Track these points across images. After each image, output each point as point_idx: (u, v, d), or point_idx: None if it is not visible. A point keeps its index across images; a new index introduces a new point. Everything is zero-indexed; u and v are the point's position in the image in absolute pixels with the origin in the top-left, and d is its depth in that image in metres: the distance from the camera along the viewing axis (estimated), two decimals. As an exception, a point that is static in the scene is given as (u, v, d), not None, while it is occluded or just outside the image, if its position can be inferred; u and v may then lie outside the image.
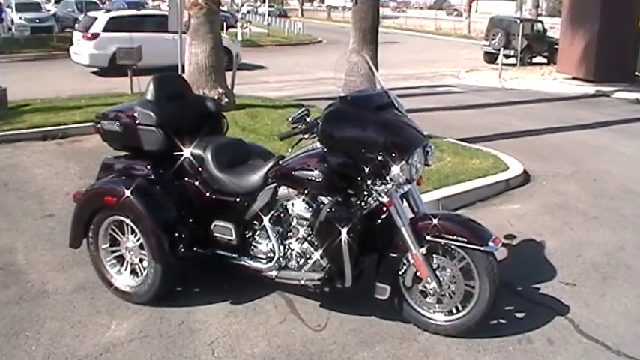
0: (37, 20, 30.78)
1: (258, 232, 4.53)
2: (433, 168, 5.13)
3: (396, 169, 3.90)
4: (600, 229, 6.38)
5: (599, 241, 6.04)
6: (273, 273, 4.40)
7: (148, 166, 4.66)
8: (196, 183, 4.65)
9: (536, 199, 7.36)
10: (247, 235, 4.55)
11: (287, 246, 4.41)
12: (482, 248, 3.93)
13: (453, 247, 4.06)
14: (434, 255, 4.12)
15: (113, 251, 4.73)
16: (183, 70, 11.68)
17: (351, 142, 4.06)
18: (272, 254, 4.43)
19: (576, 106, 14.94)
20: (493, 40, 25.50)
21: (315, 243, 4.26)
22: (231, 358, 3.96)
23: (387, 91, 4.30)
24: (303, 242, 4.34)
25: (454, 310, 4.18)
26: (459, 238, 3.98)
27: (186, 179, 4.69)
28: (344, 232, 3.97)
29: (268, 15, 46.76)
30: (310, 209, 4.24)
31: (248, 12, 51.37)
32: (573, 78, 18.63)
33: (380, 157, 3.94)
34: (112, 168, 4.87)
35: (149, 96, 4.85)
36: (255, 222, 4.51)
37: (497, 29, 25.66)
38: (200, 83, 11.17)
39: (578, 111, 14.01)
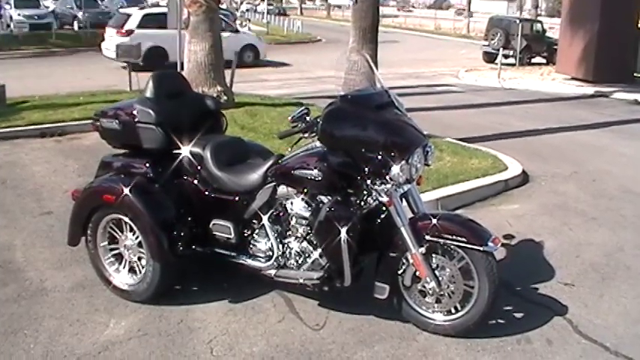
0: (36, 17, 30.77)
1: (257, 230, 4.52)
2: (432, 167, 5.13)
3: (395, 169, 3.89)
4: (599, 230, 6.38)
5: (599, 242, 6.03)
6: (272, 272, 4.40)
7: (147, 164, 4.65)
8: (195, 181, 4.64)
9: (535, 199, 7.35)
10: (246, 234, 4.54)
11: (286, 245, 4.40)
12: (481, 248, 3.92)
13: (452, 247, 4.05)
14: (433, 255, 4.12)
15: (112, 249, 4.72)
16: (182, 68, 11.67)
17: (351, 142, 4.05)
18: (271, 253, 4.43)
19: (575, 106, 14.93)
20: (492, 39, 25.50)
21: (315, 242, 4.25)
22: (230, 357, 3.95)
23: (387, 90, 4.29)
24: (302, 241, 4.33)
25: (453, 310, 4.17)
26: (459, 238, 3.97)
27: (185, 177, 4.68)
28: (343, 231, 3.96)
29: (267, 13, 46.68)
30: (309, 208, 4.23)
31: (247, 10, 51.35)
32: (572, 78, 18.62)
33: (380, 157, 3.93)
34: (111, 166, 4.86)
35: (148, 94, 4.84)
36: (254, 221, 4.50)
37: (497, 29, 25.66)
38: (199, 81, 11.15)
39: (577, 111, 14.01)
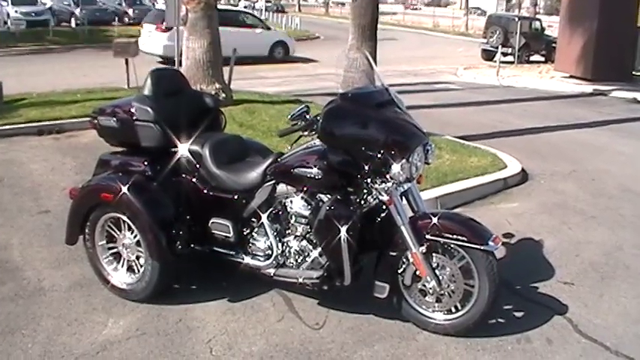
0: (33, 14, 30.75)
1: (256, 229, 4.49)
2: (432, 165, 5.11)
3: (396, 168, 3.86)
4: (599, 229, 6.36)
5: (598, 241, 6.02)
6: (272, 271, 4.37)
7: (145, 163, 4.62)
8: (194, 180, 4.62)
9: (534, 198, 7.34)
10: (245, 233, 4.52)
11: (285, 244, 4.37)
12: (482, 247, 3.90)
13: (452, 246, 4.03)
14: (433, 254, 4.09)
15: (110, 248, 4.69)
16: (180, 65, 11.63)
17: (352, 140, 4.02)
18: (270, 252, 4.40)
19: (574, 104, 14.92)
20: (491, 37, 25.56)
21: (314, 241, 4.23)
22: (229, 356, 3.93)
23: (388, 88, 4.27)
24: (302, 240, 4.31)
25: (453, 310, 4.15)
26: (459, 237, 3.95)
27: (183, 176, 4.65)
28: (343, 230, 3.94)
29: (265, 10, 46.64)
30: (309, 207, 4.21)
31: (245, 7, 51.24)
32: (571, 76, 18.63)
33: (380, 155, 3.90)
34: (109, 164, 4.83)
35: (146, 91, 4.80)
36: (253, 219, 4.48)
37: (496, 27, 25.70)
38: (197, 79, 11.11)
39: (576, 110, 14.00)
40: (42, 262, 5.18)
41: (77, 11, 33.59)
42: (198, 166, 4.58)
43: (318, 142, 4.21)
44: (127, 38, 18.03)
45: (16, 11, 30.26)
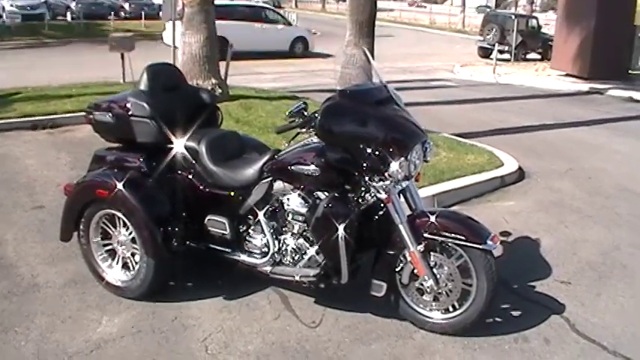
0: (28, 8, 30.67)
1: (252, 226, 4.46)
2: (429, 163, 5.07)
3: (394, 166, 3.82)
4: (595, 228, 6.35)
5: (595, 240, 6.00)
6: (268, 268, 4.34)
7: (141, 159, 4.58)
8: (190, 176, 4.58)
9: (531, 196, 7.32)
10: (242, 230, 4.49)
11: (282, 241, 4.34)
12: (480, 246, 3.87)
13: (450, 244, 4.00)
14: (431, 253, 4.06)
15: (105, 245, 4.65)
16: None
17: (350, 137, 3.97)
18: (267, 249, 4.37)
19: (570, 103, 14.91)
20: (488, 35, 25.57)
21: (311, 239, 4.20)
22: (225, 355, 3.89)
23: (387, 85, 4.23)
24: (299, 238, 4.28)
25: (451, 309, 4.13)
26: (457, 236, 3.92)
27: (179, 172, 4.61)
28: (341, 228, 3.90)
29: (262, 6, 46.45)
30: (306, 204, 4.17)
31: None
32: (567, 75, 18.62)
33: (379, 153, 3.86)
34: (104, 160, 4.78)
35: (142, 86, 4.76)
36: (249, 216, 4.44)
37: (492, 24, 25.72)
38: (194, 74, 11.06)
39: (572, 108, 13.99)
40: (36, 259, 5.14)
41: (73, 5, 33.52)
42: (194, 162, 4.54)
43: (315, 139, 4.17)
44: (122, 33, 17.97)
45: (11, 5, 30.19)
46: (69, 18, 32.82)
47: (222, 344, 4.00)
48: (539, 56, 25.32)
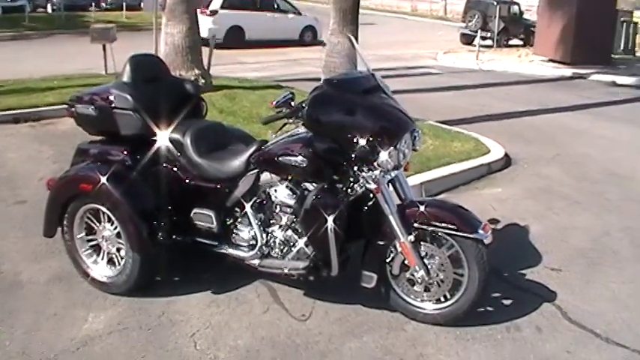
0: (9, 0, 30.16)
1: (239, 219, 4.38)
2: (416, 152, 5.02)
3: (384, 155, 3.76)
4: (584, 214, 6.33)
5: (584, 226, 5.98)
6: (256, 261, 4.28)
7: (125, 152, 4.49)
8: (175, 169, 4.49)
9: (518, 183, 7.29)
10: (228, 223, 4.41)
11: (270, 233, 4.27)
12: (471, 236, 3.83)
13: (441, 234, 3.95)
14: (422, 243, 4.01)
15: (89, 240, 4.56)
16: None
17: (338, 127, 3.90)
18: (254, 242, 4.30)
19: (554, 88, 14.92)
20: (470, 21, 25.52)
21: (300, 231, 4.13)
22: (215, 350, 3.82)
23: (374, 73, 4.16)
24: (287, 230, 4.21)
25: (442, 299, 4.09)
26: (448, 226, 3.87)
27: (164, 165, 4.52)
28: (330, 219, 3.84)
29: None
30: (294, 196, 4.11)
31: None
32: (550, 60, 18.62)
33: (367, 143, 3.79)
34: (87, 153, 4.68)
35: (125, 78, 4.66)
36: (236, 209, 4.37)
37: (474, 11, 25.65)
38: (176, 64, 10.93)
39: (556, 93, 13.99)
40: (19, 255, 5.04)
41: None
42: (179, 154, 4.46)
43: (302, 129, 4.10)
44: (104, 24, 17.76)
45: (-9, -2, 29.76)
46: (49, 10, 32.36)
47: (211, 340, 3.93)
48: (521, 42, 25.29)
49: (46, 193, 4.68)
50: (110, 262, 4.51)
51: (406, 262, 4.03)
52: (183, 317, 4.17)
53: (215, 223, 4.36)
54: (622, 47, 20.01)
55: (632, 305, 4.50)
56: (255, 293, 4.50)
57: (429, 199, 4.62)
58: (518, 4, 27.71)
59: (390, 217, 3.93)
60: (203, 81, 11.12)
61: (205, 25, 20.21)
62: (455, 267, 4.00)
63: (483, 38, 21.42)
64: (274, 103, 4.07)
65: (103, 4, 35.32)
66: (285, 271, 4.17)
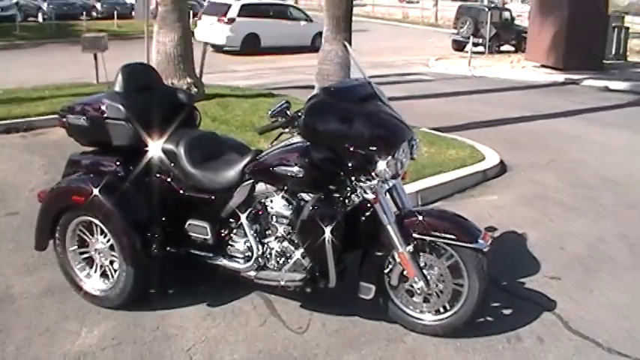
0: (-1, 9, 30.08)
1: (235, 230, 4.31)
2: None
3: (382, 165, 3.70)
4: (580, 220, 6.30)
5: (580, 233, 5.94)
6: (252, 273, 4.20)
7: (118, 162, 4.42)
8: (169, 179, 4.42)
9: (514, 190, 7.25)
10: (224, 234, 4.34)
11: (266, 245, 4.20)
12: (471, 246, 3.77)
13: (440, 244, 3.89)
14: (421, 253, 3.95)
15: (82, 253, 4.48)
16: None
17: (336, 136, 3.83)
18: (250, 254, 4.22)
19: (547, 94, 14.92)
20: (462, 28, 25.53)
21: (296, 242, 4.07)
22: (211, 365, 3.76)
23: (370, 81, 4.11)
24: (283, 241, 4.14)
25: (442, 310, 4.02)
26: (448, 236, 3.81)
27: (157, 175, 4.45)
28: (327, 231, 3.77)
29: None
30: (290, 206, 4.04)
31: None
32: (542, 66, 18.64)
33: (365, 152, 3.74)
34: (79, 164, 4.61)
35: (117, 88, 4.59)
36: (231, 220, 4.30)
37: (466, 17, 25.67)
38: (168, 73, 10.85)
39: (549, 99, 13.99)
40: (10, 268, 4.95)
41: (44, 5, 32.90)
42: (172, 165, 4.39)
43: (298, 139, 4.03)
44: (95, 33, 17.68)
45: (-20, 7, 29.59)
46: (40, 19, 32.21)
47: (207, 354, 3.85)
48: (512, 48, 25.33)
49: (38, 204, 4.60)
50: (103, 275, 4.43)
51: (405, 272, 3.96)
52: (178, 331, 4.09)
53: (210, 234, 4.29)
54: (613, 52, 20.02)
55: (632, 314, 4.46)
56: (252, 305, 4.43)
57: (427, 208, 4.56)
58: (509, 10, 27.84)
59: (389, 227, 3.87)
60: (195, 89, 11.05)
61: (223, 32, 22.34)
62: (454, 277, 3.93)
63: (475, 44, 21.44)
64: (270, 112, 4.00)
65: (94, 13, 35.21)
66: (282, 283, 4.10)
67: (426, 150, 8.06)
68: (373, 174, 3.77)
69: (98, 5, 36.27)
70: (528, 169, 8.09)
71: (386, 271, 4.05)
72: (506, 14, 26.50)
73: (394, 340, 4.04)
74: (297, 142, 4.02)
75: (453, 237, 3.80)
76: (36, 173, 7.40)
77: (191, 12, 24.40)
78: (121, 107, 4.34)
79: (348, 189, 3.95)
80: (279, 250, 4.15)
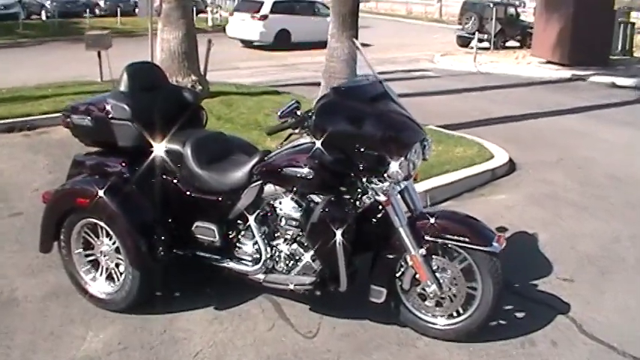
0: (2, 7, 29.97)
1: (243, 232, 4.23)
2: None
3: (394, 166, 3.61)
4: (591, 220, 6.20)
5: (592, 233, 5.85)
6: (261, 276, 4.12)
7: (123, 163, 4.35)
8: (175, 181, 4.34)
9: (523, 189, 7.16)
10: (231, 236, 4.26)
11: (274, 247, 4.12)
12: (486, 249, 3.68)
13: (453, 247, 3.81)
14: (433, 256, 3.87)
15: (87, 256, 4.40)
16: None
17: (347, 137, 3.73)
18: (258, 256, 4.14)
19: (554, 90, 14.79)
20: (466, 24, 25.39)
21: (306, 244, 3.98)
22: (219, 371, 3.68)
23: (381, 79, 4.02)
24: (292, 243, 4.06)
25: (455, 314, 3.94)
26: (461, 238, 3.72)
27: (164, 177, 4.37)
28: (339, 233, 3.70)
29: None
30: (300, 208, 3.95)
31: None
32: (548, 62, 18.48)
33: (377, 153, 3.65)
34: (84, 165, 4.54)
35: (122, 87, 4.51)
36: (239, 222, 4.22)
37: (471, 13, 25.53)
38: (172, 71, 10.75)
39: (556, 96, 13.86)
40: (14, 269, 4.88)
41: (47, 3, 32.82)
42: (179, 166, 4.31)
43: (307, 139, 3.94)
44: (98, 30, 17.60)
45: (-16, 5, 29.51)
46: (44, 17, 32.13)
47: (215, 359, 3.78)
48: (517, 44, 25.19)
49: (42, 204, 4.54)
50: (109, 277, 4.36)
51: (417, 276, 3.89)
52: (185, 335, 4.02)
53: (217, 236, 4.21)
54: (620, 48, 19.90)
55: (647, 317, 4.38)
56: (260, 308, 4.35)
57: (439, 210, 4.45)
58: (514, 5, 27.70)
59: (401, 230, 3.78)
60: (200, 87, 10.96)
61: (257, 29, 23.42)
62: (468, 280, 3.85)
63: (480, 40, 21.30)
64: (279, 113, 3.90)
65: (98, 10, 35.14)
66: (291, 286, 4.02)
67: (434, 148, 7.91)
68: (385, 175, 3.68)
69: (101, 2, 36.16)
70: (537, 167, 7.99)
71: (397, 274, 3.96)
72: (512, 10, 26.39)
73: (405, 345, 3.96)
74: (307, 143, 3.92)
75: (466, 240, 3.71)
76: (40, 173, 7.34)
77: (194, 9, 24.63)
78: (126, 107, 4.27)
79: (359, 191, 3.87)
80: (288, 252, 4.07)
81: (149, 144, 4.33)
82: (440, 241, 3.78)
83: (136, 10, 28.90)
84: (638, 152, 9.00)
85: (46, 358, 3.76)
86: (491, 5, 24.43)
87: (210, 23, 30.52)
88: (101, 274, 4.39)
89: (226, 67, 16.47)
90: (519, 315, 4.33)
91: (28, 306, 4.37)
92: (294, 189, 3.95)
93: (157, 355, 3.81)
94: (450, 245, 3.80)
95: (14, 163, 7.75)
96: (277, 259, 4.11)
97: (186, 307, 4.32)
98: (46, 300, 4.44)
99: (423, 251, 3.80)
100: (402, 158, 3.63)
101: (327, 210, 3.77)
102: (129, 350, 3.85)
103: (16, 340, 3.94)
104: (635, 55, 20.58)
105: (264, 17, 23.33)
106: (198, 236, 4.28)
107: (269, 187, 4.08)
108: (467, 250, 3.75)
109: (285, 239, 4.08)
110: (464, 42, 24.99)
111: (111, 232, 4.20)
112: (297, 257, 4.05)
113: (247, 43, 24.14)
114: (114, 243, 4.23)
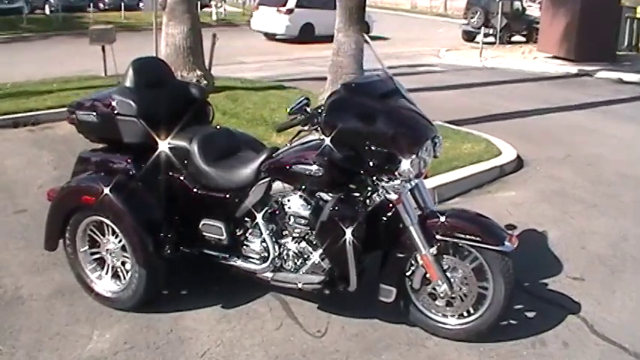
0: (6, 1, 29.97)
1: (250, 230, 4.17)
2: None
3: (406, 164, 3.54)
4: (601, 218, 6.13)
5: (602, 231, 5.79)
6: (269, 275, 4.07)
7: (129, 160, 4.30)
8: (182, 178, 4.28)
9: (531, 186, 7.09)
10: (239, 234, 4.20)
11: (283, 245, 4.06)
12: (497, 248, 3.62)
13: (464, 246, 3.75)
14: (444, 255, 3.81)
15: (93, 254, 4.36)
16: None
17: (358, 134, 3.66)
18: (266, 254, 4.09)
19: (561, 86, 14.70)
20: (472, 18, 25.28)
21: (314, 243, 3.93)
22: (226, 371, 3.63)
23: (392, 75, 3.95)
24: (301, 242, 4.00)
25: (465, 314, 3.88)
26: (472, 237, 3.66)
27: (170, 174, 4.31)
28: (348, 232, 3.64)
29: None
30: (309, 206, 3.89)
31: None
32: (554, 57, 18.40)
33: (388, 150, 3.59)
34: (89, 162, 4.49)
35: (128, 83, 4.45)
36: (247, 219, 4.16)
37: (476, 7, 25.41)
38: (177, 65, 10.71)
39: (563, 91, 13.78)
40: (20, 267, 4.84)
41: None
42: (185, 162, 4.25)
43: (316, 136, 3.88)
44: (103, 25, 17.55)
45: (-12, 0, 29.49)
46: (47, 11, 32.04)
47: (223, 359, 3.73)
48: (523, 39, 25.10)
49: (47, 201, 4.49)
50: (115, 276, 4.31)
51: (427, 275, 3.83)
52: (192, 334, 3.97)
53: (225, 234, 4.15)
54: (626, 44, 19.79)
55: (659, 317, 4.32)
56: (267, 307, 4.30)
57: (450, 208, 4.38)
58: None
59: (411, 229, 3.72)
60: (205, 82, 10.92)
61: (283, 22, 24.05)
62: (479, 280, 3.79)
63: (486, 35, 21.25)
64: (289, 109, 3.84)
65: (101, 5, 35.06)
66: (300, 285, 3.96)
67: (441, 144, 7.90)
68: (396, 173, 3.62)
69: (105, -3, 36.10)
70: (545, 164, 7.92)
71: (407, 273, 3.91)
72: (517, 4, 26.24)
73: (415, 345, 3.91)
74: (316, 140, 3.86)
75: (478, 239, 3.65)
76: (45, 169, 7.30)
77: (198, 3, 24.61)
78: (132, 103, 4.21)
79: (369, 189, 3.82)
80: (296, 251, 4.02)
81: (155, 140, 4.27)
82: (451, 240, 3.73)
83: (140, 4, 28.85)
84: (648, 149, 8.91)
85: (51, 358, 3.71)
86: (497, 0, 24.35)
87: (214, 17, 30.42)
88: (107, 273, 4.33)
89: (231, 62, 16.40)
90: (530, 314, 4.28)
91: (34, 304, 4.32)
92: (303, 187, 3.90)
93: (163, 354, 3.76)
94: (461, 244, 3.75)
95: (19, 158, 7.70)
96: (285, 258, 4.06)
97: (193, 306, 4.27)
98: (51, 298, 4.39)
99: (433, 250, 3.74)
100: (414, 156, 3.57)
101: (336, 208, 3.71)
102: (135, 350, 3.80)
103: (22, 338, 3.90)
104: (641, 50, 20.46)
105: (290, 11, 23.84)
106: (205, 234, 4.22)
107: (277, 185, 4.02)
108: (478, 249, 3.70)
109: (294, 237, 4.02)
110: (469, 37, 24.93)
111: (117, 230, 4.15)
112: (306, 256, 4.00)
113: (270, 37, 24.73)
114: (120, 241, 4.18)
